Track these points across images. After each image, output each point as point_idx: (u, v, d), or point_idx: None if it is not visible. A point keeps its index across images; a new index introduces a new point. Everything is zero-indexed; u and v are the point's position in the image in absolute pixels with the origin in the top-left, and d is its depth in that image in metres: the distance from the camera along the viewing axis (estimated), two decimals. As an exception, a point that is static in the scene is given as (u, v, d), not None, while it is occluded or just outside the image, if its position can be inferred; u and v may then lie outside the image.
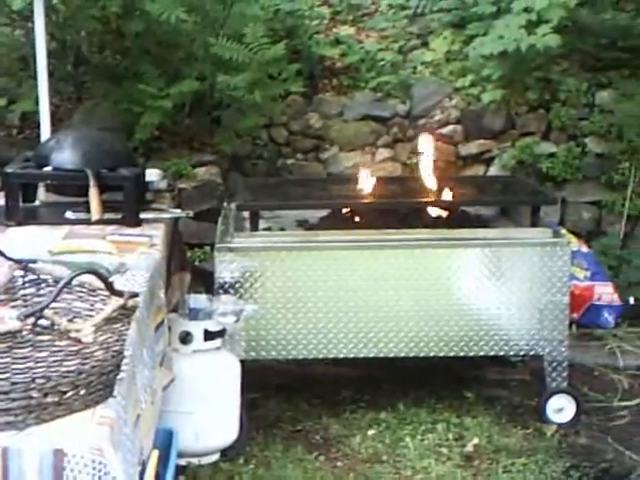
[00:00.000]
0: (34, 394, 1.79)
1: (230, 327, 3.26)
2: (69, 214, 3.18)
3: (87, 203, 3.17)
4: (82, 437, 1.79)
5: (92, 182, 3.10)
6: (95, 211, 3.05)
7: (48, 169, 3.19)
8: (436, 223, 3.69)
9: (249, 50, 4.40)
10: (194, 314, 3.21)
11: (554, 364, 3.52)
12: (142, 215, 3.20)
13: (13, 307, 1.88)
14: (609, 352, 4.17)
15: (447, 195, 3.74)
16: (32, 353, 1.77)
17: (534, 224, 3.62)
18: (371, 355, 3.51)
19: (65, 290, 1.92)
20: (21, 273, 2.00)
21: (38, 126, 4.27)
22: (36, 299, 1.94)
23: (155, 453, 2.33)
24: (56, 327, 1.76)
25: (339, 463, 3.26)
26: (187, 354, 3.18)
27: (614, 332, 4.23)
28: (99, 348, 1.86)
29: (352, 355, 3.51)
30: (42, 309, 1.75)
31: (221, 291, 3.42)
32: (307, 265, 3.45)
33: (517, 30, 5.00)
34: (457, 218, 3.74)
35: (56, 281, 2.01)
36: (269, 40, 4.52)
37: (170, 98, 4.39)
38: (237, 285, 3.42)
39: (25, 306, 1.86)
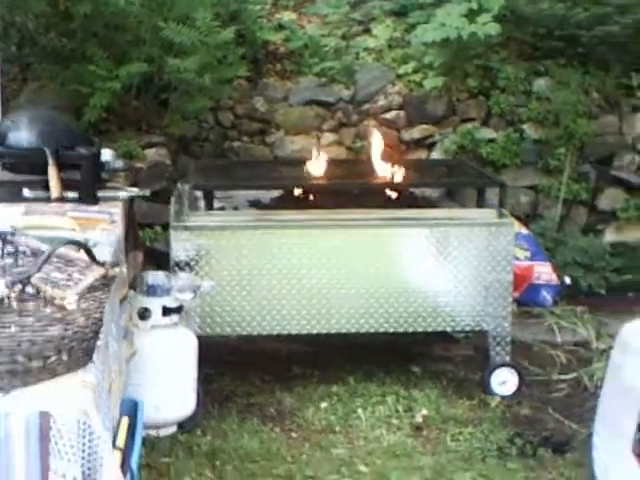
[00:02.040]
0: (20, 358, 1.86)
1: (187, 304, 3.33)
2: (26, 192, 3.19)
3: (43, 181, 3.20)
4: (67, 400, 1.86)
5: (51, 160, 3.13)
6: (55, 189, 3.09)
7: (5, 148, 3.21)
8: (385, 204, 3.80)
9: (199, 33, 4.45)
10: (152, 291, 3.27)
11: (498, 339, 3.68)
12: (99, 193, 3.24)
13: (-4, 276, 1.92)
14: (547, 329, 4.36)
15: (396, 177, 3.86)
16: (18, 319, 1.83)
17: (480, 205, 3.76)
18: (322, 331, 3.61)
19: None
20: (2, 245, 2.04)
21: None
22: (15, 269, 1.99)
23: (125, 420, 2.40)
24: (41, 294, 1.82)
25: (294, 434, 3.36)
26: (146, 329, 3.24)
27: (552, 310, 4.42)
28: (81, 315, 1.92)
29: (304, 331, 3.61)
30: (29, 277, 1.81)
31: (177, 269, 3.49)
32: (260, 244, 3.54)
33: (458, 18, 5.15)
34: (405, 199, 3.86)
35: (34, 252, 2.06)
36: (218, 24, 4.57)
37: (118, 80, 4.42)
38: (192, 263, 3.49)
39: (5, 275, 1.91)
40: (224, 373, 3.72)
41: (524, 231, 4.38)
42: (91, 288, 1.92)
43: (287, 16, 5.90)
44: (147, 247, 4.23)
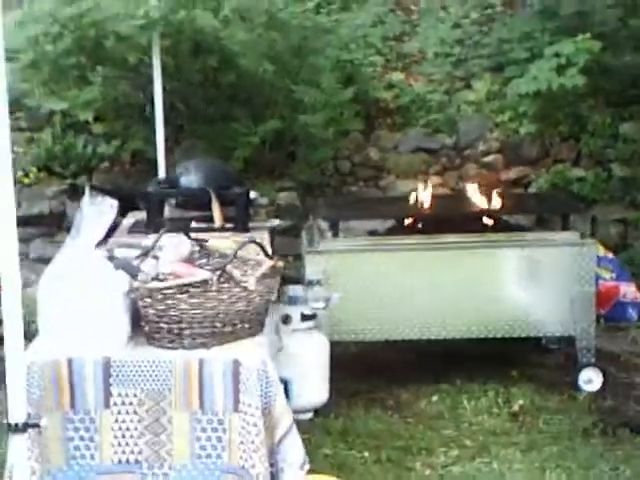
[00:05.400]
0: (217, 324, 2.65)
1: (320, 312, 4.09)
2: (194, 224, 4.04)
3: (207, 216, 4.04)
4: (251, 353, 2.64)
5: (214, 197, 3.97)
6: (218, 219, 3.92)
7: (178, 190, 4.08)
8: (482, 230, 4.51)
9: (324, 94, 5.29)
10: (292, 300, 4.05)
11: (584, 342, 4.30)
12: (250, 224, 4.06)
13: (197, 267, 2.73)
14: (632, 341, 4.92)
15: (491, 206, 4.57)
16: (216, 296, 2.62)
17: (564, 228, 4.43)
18: (431, 337, 4.31)
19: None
20: (197, 249, 2.85)
21: (147, 161, 5.19)
22: (209, 265, 2.79)
23: (281, 386, 3.15)
24: (232, 278, 2.61)
25: (410, 420, 4.05)
26: (288, 332, 4.01)
27: (638, 325, 4.98)
28: (258, 295, 2.71)
29: (415, 337, 4.31)
30: (225, 266, 2.61)
31: (310, 286, 4.26)
32: (377, 263, 4.29)
33: (548, 72, 5.83)
34: (500, 226, 4.56)
35: (221, 255, 2.87)
36: (340, 86, 5.41)
37: (257, 135, 5.29)
38: (322, 280, 4.25)
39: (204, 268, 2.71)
40: (350, 374, 4.43)
41: (610, 255, 4.97)
42: (264, 275, 2.71)
43: (396, 76, 6.68)
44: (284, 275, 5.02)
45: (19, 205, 5.19)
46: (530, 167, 5.95)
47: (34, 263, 5.06)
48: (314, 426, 3.95)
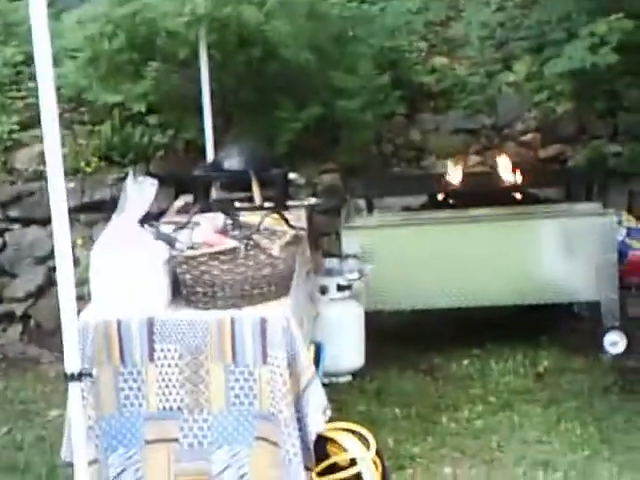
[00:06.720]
0: (246, 287, 2.98)
1: (355, 283, 4.41)
2: (237, 204, 4.39)
3: (248, 197, 4.39)
4: (276, 312, 2.97)
5: (254, 179, 4.32)
6: (258, 198, 4.26)
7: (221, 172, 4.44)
8: (512, 203, 4.76)
9: (361, 79, 5.60)
10: (329, 272, 4.39)
11: (608, 306, 4.53)
12: (288, 202, 4.39)
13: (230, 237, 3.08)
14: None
15: (519, 181, 4.83)
16: (244, 262, 2.96)
17: (588, 200, 4.66)
18: (462, 305, 4.59)
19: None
20: (230, 222, 3.20)
21: (200, 150, 5.55)
22: (239, 234, 3.13)
23: (312, 347, 3.49)
24: (259, 246, 2.94)
25: (440, 381, 4.36)
26: (325, 302, 4.34)
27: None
28: (282, 261, 3.04)
29: (447, 306, 4.59)
30: (251, 235, 2.95)
31: (346, 259, 4.59)
32: (411, 237, 4.58)
33: (583, 51, 6.01)
34: (529, 199, 4.81)
35: (249, 226, 3.21)
36: (376, 72, 5.70)
37: (300, 121, 5.62)
38: (358, 253, 4.56)
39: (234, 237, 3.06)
40: (386, 341, 4.74)
41: (641, 227, 5.17)
42: (288, 243, 3.04)
43: (440, 60, 6.92)
44: (324, 250, 5.35)
45: (82, 192, 5.60)
46: (567, 144, 6.13)
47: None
48: (351, 388, 4.28)
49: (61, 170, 2.63)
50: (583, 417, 3.84)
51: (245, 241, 2.95)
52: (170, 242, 3.00)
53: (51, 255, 5.51)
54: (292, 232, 3.09)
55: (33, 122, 5.93)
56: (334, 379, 4.28)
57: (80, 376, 2.71)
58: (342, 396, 4.14)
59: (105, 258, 3.00)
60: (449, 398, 4.13)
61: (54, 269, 2.71)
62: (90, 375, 2.74)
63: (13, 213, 5.62)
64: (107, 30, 5.29)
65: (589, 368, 4.37)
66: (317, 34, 5.76)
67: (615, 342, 4.54)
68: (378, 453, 3.14)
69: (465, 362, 4.53)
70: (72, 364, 2.70)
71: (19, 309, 5.43)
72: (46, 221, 5.60)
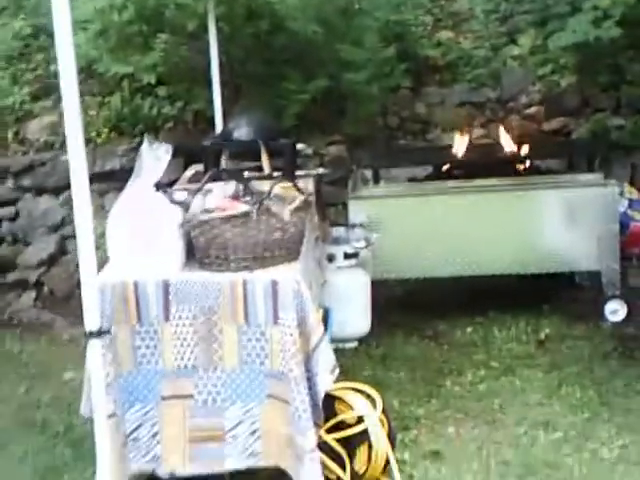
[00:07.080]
0: (258, 250, 3.09)
1: (361, 251, 4.51)
2: (246, 174, 4.48)
3: (257, 167, 4.48)
4: (287, 274, 3.08)
5: (263, 149, 4.40)
6: (267, 167, 4.35)
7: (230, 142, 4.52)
8: (515, 173, 4.85)
9: (367, 52, 5.67)
10: (336, 240, 4.49)
11: (609, 275, 4.63)
12: (296, 172, 4.48)
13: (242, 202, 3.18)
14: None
15: (522, 152, 4.91)
16: (256, 226, 3.06)
17: (590, 171, 4.74)
18: (465, 274, 4.69)
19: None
20: (242, 188, 3.30)
21: (208, 121, 5.64)
22: (251, 199, 3.23)
23: (320, 310, 3.60)
24: (269, 211, 3.04)
25: (445, 347, 4.47)
26: (332, 269, 4.44)
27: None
28: (292, 226, 3.14)
29: (451, 274, 4.69)
30: (263, 200, 3.04)
31: (353, 228, 4.68)
32: (416, 207, 4.68)
33: (586, 25, 6.08)
34: (531, 170, 4.90)
35: (260, 192, 3.30)
36: (382, 45, 5.77)
37: (307, 93, 5.70)
38: (364, 222, 4.66)
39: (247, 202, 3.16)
40: (392, 309, 4.85)
41: (643, 198, 5.26)
42: (297, 209, 3.13)
43: (446, 34, 6.98)
44: (331, 220, 5.44)
45: (94, 162, 5.69)
46: (571, 117, 6.20)
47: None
48: (357, 353, 4.39)
49: (79, 120, 2.67)
50: (583, 382, 3.95)
51: (257, 206, 3.04)
52: (184, 206, 3.10)
53: (63, 224, 5.67)
54: (302, 197, 3.19)
55: (43, 94, 6.04)
56: (341, 345, 4.39)
57: (99, 334, 2.82)
58: (349, 361, 4.25)
59: (122, 221, 3.11)
60: (453, 363, 4.24)
61: (66, 238, 2.80)
62: (109, 332, 2.85)
63: (26, 182, 5.73)
64: (117, 2, 5.37)
65: (590, 335, 4.48)
66: (324, 7, 5.84)
67: (615, 310, 4.64)
68: (384, 412, 3.26)
69: (469, 329, 4.64)
70: (92, 322, 2.80)
71: (32, 276, 5.54)
72: (58, 190, 5.80)
